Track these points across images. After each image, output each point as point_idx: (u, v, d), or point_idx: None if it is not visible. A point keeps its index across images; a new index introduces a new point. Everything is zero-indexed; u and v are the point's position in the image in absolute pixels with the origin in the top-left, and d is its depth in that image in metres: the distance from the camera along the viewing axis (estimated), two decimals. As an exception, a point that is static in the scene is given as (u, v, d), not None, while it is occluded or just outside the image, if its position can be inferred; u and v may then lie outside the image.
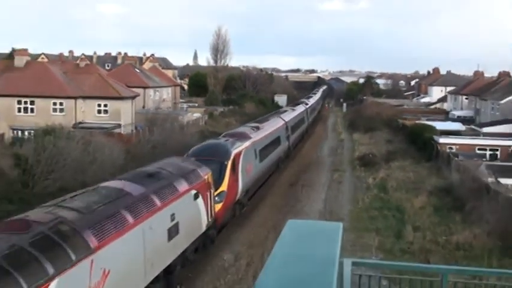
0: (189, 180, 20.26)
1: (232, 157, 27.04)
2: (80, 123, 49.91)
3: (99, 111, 52.94)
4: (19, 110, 50.52)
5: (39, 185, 28.87)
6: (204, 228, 21.62)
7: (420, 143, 49.99)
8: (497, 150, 46.16)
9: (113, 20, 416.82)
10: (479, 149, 46.15)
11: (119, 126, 50.98)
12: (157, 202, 16.84)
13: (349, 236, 26.59)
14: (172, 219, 17.82)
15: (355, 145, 58.91)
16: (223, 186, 25.45)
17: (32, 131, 42.20)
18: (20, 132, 47.19)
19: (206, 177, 22.29)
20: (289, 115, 52.53)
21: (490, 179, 31.43)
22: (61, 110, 50.47)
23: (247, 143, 31.03)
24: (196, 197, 20.70)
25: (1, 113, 49.71)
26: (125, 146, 39.47)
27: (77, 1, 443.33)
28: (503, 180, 32.14)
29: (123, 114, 53.41)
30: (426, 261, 21.59)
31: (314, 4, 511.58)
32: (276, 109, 75.65)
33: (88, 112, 52.30)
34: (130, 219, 14.83)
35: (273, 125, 42.16)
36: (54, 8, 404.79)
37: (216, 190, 24.29)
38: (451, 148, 45.14)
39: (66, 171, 29.89)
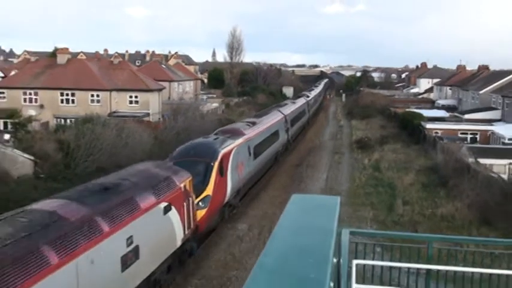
0: (158, 192, 15.38)
1: (219, 157, 22.35)
2: (114, 112, 50.03)
3: (130, 102, 53.01)
4: (62, 101, 50.68)
5: (79, 166, 29.03)
6: (178, 243, 16.89)
7: (410, 128, 49.80)
8: (476, 134, 45.89)
9: (141, 22, 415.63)
10: (461, 133, 45.88)
11: (148, 114, 51.03)
12: (105, 226, 11.96)
13: (347, 209, 26.58)
14: (130, 244, 13.07)
15: (353, 130, 58.64)
16: (208, 190, 20.92)
17: (73, 119, 42.33)
18: (62, 121, 47.27)
19: (183, 184, 17.45)
20: (289, 108, 47.54)
21: (471, 159, 31.24)
22: (98, 101, 50.57)
23: (239, 140, 26.45)
24: (167, 210, 15.76)
25: (46, 104, 49.96)
26: (153, 132, 39.53)
27: (110, 5, 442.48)
28: (482, 160, 31.94)
29: (151, 105, 53.45)
30: (414, 230, 21.56)
31: (317, 7, 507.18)
32: (284, 99, 75.32)
33: (121, 103, 52.39)
34: (54, 257, 10.01)
35: (270, 120, 36.85)
36: (90, 11, 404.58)
37: (200, 195, 20.14)
38: (436, 132, 44.87)
39: (103, 154, 30.01)
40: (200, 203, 20.01)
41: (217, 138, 24.90)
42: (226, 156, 23.36)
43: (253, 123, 32.26)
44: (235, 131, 28.20)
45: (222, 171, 22.18)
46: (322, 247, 1.85)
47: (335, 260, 1.88)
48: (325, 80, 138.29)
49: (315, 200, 2.85)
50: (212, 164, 21.59)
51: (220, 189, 22.06)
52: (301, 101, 59.24)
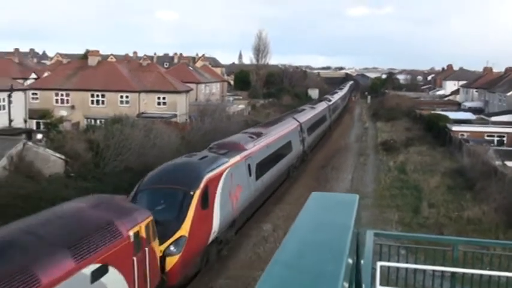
0: (81, 251, 10.41)
1: (202, 184, 16.98)
2: (143, 113, 50.49)
3: (158, 103, 53.44)
4: (92, 102, 51.31)
5: (108, 166, 29.31)
6: None
7: (435, 130, 49.18)
8: (503, 136, 45.15)
9: (170, 25, 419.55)
10: (487, 136, 45.18)
11: (175, 116, 51.37)
12: None
13: (373, 211, 26.40)
14: None
15: (378, 132, 58.16)
16: (184, 230, 15.69)
17: (103, 120, 42.85)
18: (92, 121, 47.83)
19: (135, 230, 12.62)
20: (306, 115, 41.66)
21: (497, 162, 30.74)
22: (127, 102, 51.09)
23: (235, 158, 21.14)
24: (99, 274, 10.81)
25: (77, 105, 50.69)
26: (180, 133, 39.75)
27: (139, 9, 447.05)
28: (509, 163, 31.42)
29: (179, 106, 53.82)
30: (440, 233, 21.27)
31: (343, 10, 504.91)
32: (309, 101, 74.99)
33: (149, 104, 52.87)
34: None
35: (281, 129, 31.57)
36: (121, 15, 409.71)
37: (171, 236, 15.35)
38: (462, 135, 44.23)
39: (131, 154, 30.23)
40: (172, 248, 15.31)
41: (205, 157, 19.48)
42: (214, 181, 18.15)
43: (259, 135, 27.18)
44: (233, 145, 23.05)
45: (205, 202, 17.07)
46: (338, 243, 1.87)
47: (350, 261, 1.88)
48: (350, 83, 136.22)
49: (334, 198, 2.86)
50: (191, 193, 16.41)
51: (202, 226, 16.79)
52: (321, 106, 53.87)
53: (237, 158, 21.46)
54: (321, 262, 1.71)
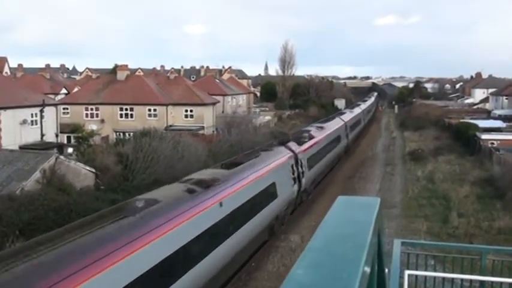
0: None
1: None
2: (171, 126, 51.06)
3: (186, 116, 54.01)
4: (121, 115, 52.14)
5: (137, 178, 29.67)
6: None
7: (464, 139, 48.54)
8: (535, 144, 44.19)
9: (197, 38, 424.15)
10: (519, 144, 44.32)
11: (203, 128, 51.84)
12: None
13: (401, 221, 26.20)
14: None
15: (406, 142, 57.66)
16: None
17: (132, 133, 43.44)
18: (121, 134, 48.49)
19: None
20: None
21: (529, 171, 30.18)
22: (155, 115, 51.76)
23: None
24: None
25: (107, 118, 51.57)
26: (208, 145, 40.03)
27: (168, 24, 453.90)
28: (541, 172, 30.79)
29: (206, 118, 54.29)
30: (470, 243, 20.98)
31: (371, 19, 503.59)
32: (336, 111, 74.50)
33: (177, 117, 53.46)
34: None
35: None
36: (149, 30, 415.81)
37: None
38: (492, 143, 43.53)
39: (159, 167, 30.50)
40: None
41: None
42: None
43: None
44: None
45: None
46: (360, 235, 2.19)
47: (372, 251, 2.26)
48: (375, 94, 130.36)
49: (358, 200, 3.15)
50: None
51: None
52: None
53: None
54: (345, 249, 2.04)
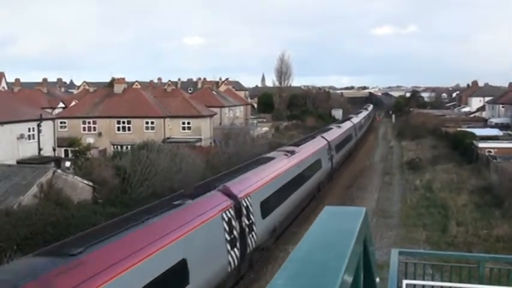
0: None
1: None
2: (168, 138, 51.06)
3: (183, 128, 54.03)
4: (118, 128, 52.12)
5: (135, 191, 29.64)
6: None
7: (461, 148, 48.64)
8: (532, 152, 44.28)
9: (194, 50, 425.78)
10: (516, 152, 44.40)
11: (200, 140, 51.84)
12: None
13: (399, 231, 26.18)
14: None
15: (403, 151, 57.75)
16: None
17: (129, 146, 43.43)
18: (119, 147, 48.47)
19: None
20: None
21: (526, 179, 30.21)
22: (152, 128, 51.76)
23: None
24: None
25: (104, 132, 51.57)
26: (205, 157, 40.03)
27: (165, 37, 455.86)
28: (539, 180, 30.82)
29: (203, 130, 54.33)
30: (469, 252, 20.97)
31: (367, 30, 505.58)
32: (333, 121, 74.53)
33: (174, 129, 53.47)
34: None
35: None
36: (146, 42, 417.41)
37: None
38: (489, 152, 43.62)
39: (157, 179, 30.49)
40: None
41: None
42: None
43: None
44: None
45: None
46: (342, 244, 2.22)
47: (354, 260, 2.32)
48: (370, 107, 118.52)
49: (344, 210, 3.19)
50: None
51: None
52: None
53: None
54: (327, 259, 2.07)
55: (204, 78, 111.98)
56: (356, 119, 67.06)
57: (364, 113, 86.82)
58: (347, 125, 56.53)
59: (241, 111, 79.32)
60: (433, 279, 9.79)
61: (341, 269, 1.88)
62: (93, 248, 11.61)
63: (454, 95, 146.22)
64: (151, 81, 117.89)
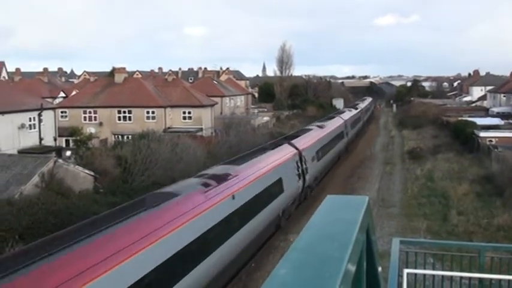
0: None
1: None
2: (169, 128, 51.04)
3: (184, 118, 54.00)
4: (119, 118, 52.11)
5: (136, 181, 29.69)
6: None
7: (463, 137, 48.57)
8: (534, 141, 44.23)
9: (195, 40, 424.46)
10: (517, 141, 44.35)
11: (201, 129, 51.83)
12: None
13: (400, 220, 26.21)
14: None
15: (404, 141, 57.71)
16: None
17: (130, 136, 43.42)
18: (120, 137, 48.50)
19: None
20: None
21: (527, 168, 30.20)
22: (153, 118, 51.75)
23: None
24: None
25: (105, 121, 51.56)
26: (206, 146, 40.01)
27: (166, 26, 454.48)
28: (540, 169, 30.81)
29: (204, 120, 54.29)
30: (470, 241, 20.99)
31: (369, 19, 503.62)
32: (334, 110, 74.17)
33: (175, 119, 53.45)
34: None
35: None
36: (146, 32, 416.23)
37: None
38: (490, 141, 43.57)
39: (158, 169, 30.52)
40: None
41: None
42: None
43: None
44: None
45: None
46: (345, 234, 2.20)
47: (357, 249, 2.27)
48: (369, 100, 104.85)
49: (346, 199, 3.15)
50: None
51: None
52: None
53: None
54: (329, 248, 2.06)
55: (205, 68, 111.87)
56: (348, 114, 56.61)
57: (361, 106, 76.85)
58: (335, 123, 45.77)
59: (242, 101, 79.20)
60: (434, 268, 9.81)
61: (344, 258, 1.87)
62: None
63: (455, 84, 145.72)
64: (152, 70, 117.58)
